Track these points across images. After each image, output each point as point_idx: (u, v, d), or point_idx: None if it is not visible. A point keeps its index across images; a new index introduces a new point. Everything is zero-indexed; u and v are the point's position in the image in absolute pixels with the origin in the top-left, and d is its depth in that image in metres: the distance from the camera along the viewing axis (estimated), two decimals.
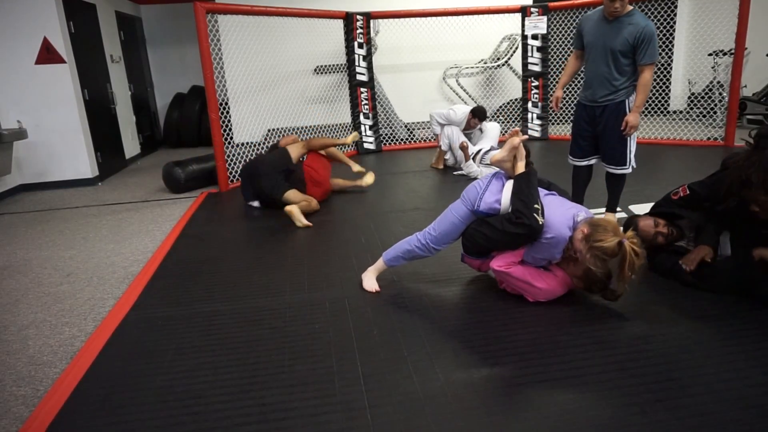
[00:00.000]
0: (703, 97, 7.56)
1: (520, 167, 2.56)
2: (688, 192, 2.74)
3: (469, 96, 8.09)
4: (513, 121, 7.85)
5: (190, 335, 2.43)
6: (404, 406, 1.85)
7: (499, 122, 7.92)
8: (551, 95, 7.19)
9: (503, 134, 6.77)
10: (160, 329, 2.50)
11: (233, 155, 5.69)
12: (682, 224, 2.83)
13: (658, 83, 8.13)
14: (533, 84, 7.30)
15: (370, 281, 2.84)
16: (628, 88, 3.30)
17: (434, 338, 2.30)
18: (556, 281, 2.49)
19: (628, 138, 3.36)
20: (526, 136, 2.65)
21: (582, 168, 3.62)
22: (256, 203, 4.59)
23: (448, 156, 5.75)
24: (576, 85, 7.04)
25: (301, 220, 4.00)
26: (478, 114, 5.62)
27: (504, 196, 2.52)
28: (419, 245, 2.72)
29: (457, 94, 8.11)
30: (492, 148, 5.36)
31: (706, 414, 1.72)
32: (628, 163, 3.43)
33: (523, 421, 1.74)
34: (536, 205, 2.39)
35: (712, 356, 2.05)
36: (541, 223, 2.36)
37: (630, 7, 3.21)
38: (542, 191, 2.59)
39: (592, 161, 3.58)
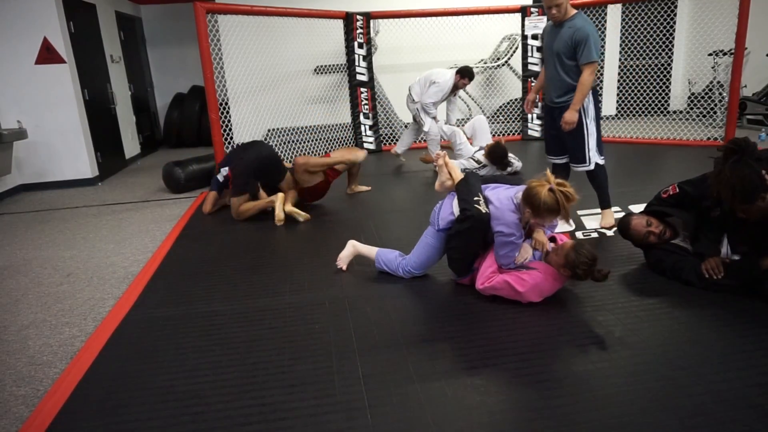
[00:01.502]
0: (703, 97, 7.56)
1: (457, 178, 2.75)
2: (677, 190, 2.77)
3: (469, 95, 8.09)
4: (513, 121, 7.85)
5: (190, 335, 2.43)
6: (404, 406, 1.85)
7: (499, 122, 7.92)
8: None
9: (495, 135, 6.77)
10: (160, 329, 2.50)
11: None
12: (676, 223, 2.83)
13: (658, 83, 8.15)
14: (533, 84, 7.30)
15: (348, 253, 3.09)
16: None
17: (434, 338, 2.30)
18: (541, 278, 2.48)
19: (585, 135, 3.46)
20: (444, 153, 2.90)
21: (559, 165, 3.72)
22: (225, 172, 4.42)
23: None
24: None
25: (278, 216, 4.04)
26: (467, 73, 5.45)
27: (455, 207, 2.67)
28: (402, 270, 2.91)
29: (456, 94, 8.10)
30: (481, 148, 5.29)
31: (706, 414, 1.72)
32: (588, 161, 3.51)
33: (523, 421, 1.74)
34: (476, 197, 2.55)
35: (712, 356, 2.05)
36: (485, 211, 2.51)
37: (573, 11, 3.36)
38: (488, 186, 2.71)
39: (565, 159, 3.69)
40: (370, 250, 3.05)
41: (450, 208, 2.70)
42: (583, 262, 2.40)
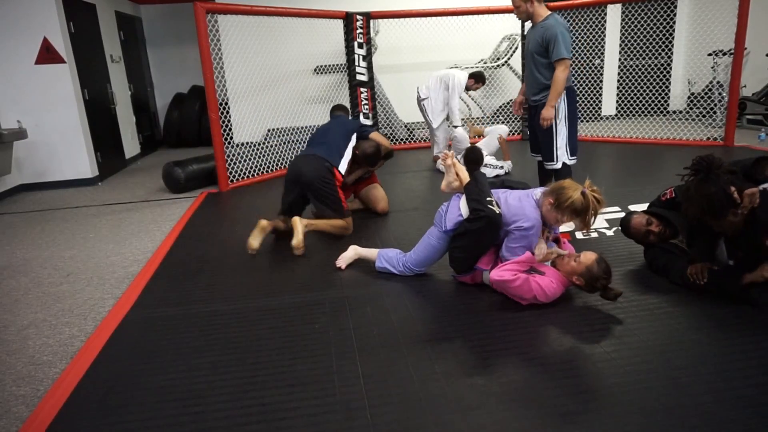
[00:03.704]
0: (702, 97, 7.56)
1: (465, 179, 2.75)
2: (674, 195, 2.83)
3: (469, 95, 8.10)
4: (513, 121, 7.85)
5: (190, 335, 2.43)
6: (404, 406, 1.85)
7: (498, 122, 7.92)
8: None
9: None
10: (160, 329, 2.50)
11: (233, 155, 5.69)
12: (677, 224, 2.84)
13: (658, 83, 8.15)
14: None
15: (348, 256, 3.10)
16: None
17: (434, 338, 2.30)
18: (556, 289, 2.48)
19: (554, 135, 3.61)
20: (452, 152, 2.92)
21: (541, 163, 3.86)
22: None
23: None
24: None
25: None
26: (482, 78, 5.78)
27: (462, 208, 2.68)
28: (403, 267, 2.92)
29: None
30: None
31: (706, 414, 1.73)
32: (555, 159, 3.67)
33: (523, 421, 1.74)
34: (489, 198, 2.56)
35: (712, 356, 2.05)
36: (498, 212, 2.53)
37: (546, 13, 3.55)
38: (499, 191, 2.73)
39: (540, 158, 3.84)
40: (371, 252, 3.07)
41: (457, 210, 2.70)
42: (604, 278, 2.42)
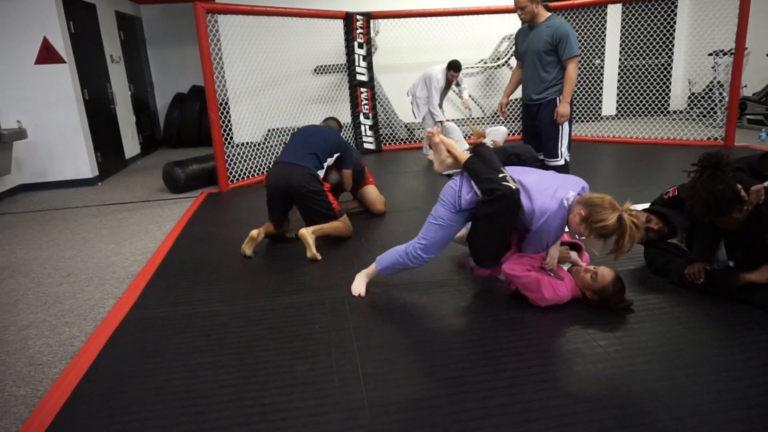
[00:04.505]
0: (703, 97, 7.56)
1: (462, 157, 2.52)
2: (677, 193, 2.82)
3: (470, 95, 8.09)
4: (513, 121, 7.85)
5: (190, 335, 2.43)
6: (404, 406, 1.85)
7: (499, 122, 7.92)
8: None
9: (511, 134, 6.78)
10: (160, 329, 2.50)
11: (233, 155, 5.69)
12: (676, 223, 2.84)
13: (658, 83, 8.15)
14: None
15: (360, 284, 2.78)
16: (557, 86, 3.68)
17: (434, 338, 2.30)
18: (566, 293, 2.46)
19: (559, 133, 3.72)
20: (437, 129, 2.71)
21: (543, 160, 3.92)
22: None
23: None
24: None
25: (312, 251, 3.30)
26: (454, 66, 5.92)
27: (476, 188, 2.46)
28: (410, 259, 2.61)
29: (457, 94, 8.11)
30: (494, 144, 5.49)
31: (706, 414, 1.72)
32: (560, 156, 3.77)
33: (523, 422, 1.74)
34: (501, 174, 2.37)
35: (712, 356, 2.05)
36: (515, 187, 2.34)
37: (548, 14, 3.66)
38: (516, 168, 2.53)
39: (541, 155, 3.87)
40: (373, 268, 2.81)
41: (470, 188, 2.46)
42: (617, 298, 2.40)
